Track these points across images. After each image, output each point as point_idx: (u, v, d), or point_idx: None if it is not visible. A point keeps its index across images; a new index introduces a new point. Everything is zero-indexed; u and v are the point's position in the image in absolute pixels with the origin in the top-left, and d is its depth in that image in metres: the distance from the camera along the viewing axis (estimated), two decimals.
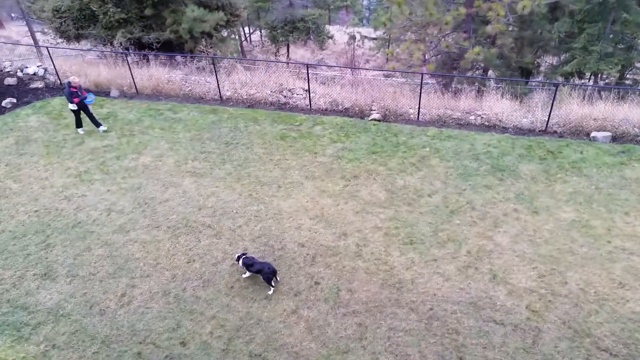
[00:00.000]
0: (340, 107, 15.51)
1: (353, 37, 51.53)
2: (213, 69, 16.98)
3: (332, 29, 52.03)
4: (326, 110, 15.68)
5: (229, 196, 11.64)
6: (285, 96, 16.06)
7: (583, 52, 20.55)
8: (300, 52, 50.06)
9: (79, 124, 14.49)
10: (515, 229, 10.43)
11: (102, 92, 17.59)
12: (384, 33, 49.07)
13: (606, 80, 22.24)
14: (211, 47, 21.60)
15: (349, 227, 10.58)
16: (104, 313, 8.73)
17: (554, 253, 9.77)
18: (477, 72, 23.21)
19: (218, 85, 16.37)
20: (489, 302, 8.78)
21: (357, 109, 15.35)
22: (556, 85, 13.89)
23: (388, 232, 10.43)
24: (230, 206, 11.30)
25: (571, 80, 22.52)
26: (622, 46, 21.45)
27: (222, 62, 19.28)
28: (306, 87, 16.08)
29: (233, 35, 32.15)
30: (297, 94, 16.09)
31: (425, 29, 17.78)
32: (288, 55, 48.02)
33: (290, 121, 14.81)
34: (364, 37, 57.48)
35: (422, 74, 15.16)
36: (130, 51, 20.78)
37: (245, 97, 16.36)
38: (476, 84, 19.95)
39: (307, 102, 15.75)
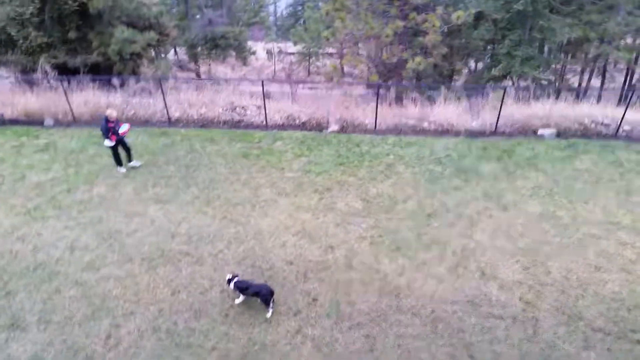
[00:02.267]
0: (297, 121, 15.44)
1: (270, 52, 52.05)
2: (156, 90, 16.27)
3: (252, 45, 51.88)
4: (283, 125, 15.52)
5: (202, 220, 11.09)
6: (238, 114, 15.70)
7: (507, 57, 22.14)
8: (220, 69, 49.50)
9: (118, 162, 12.95)
10: (491, 226, 10.88)
11: (35, 121, 16.21)
12: (303, 48, 50.10)
13: (526, 83, 23.99)
14: (154, 68, 20.67)
15: (333, 240, 10.47)
16: (92, 359, 7.92)
17: (531, 245, 10.30)
18: (410, 81, 24.15)
19: (166, 106, 15.66)
20: (484, 298, 9.03)
21: (314, 122, 15.37)
22: (504, 89, 14.81)
23: (373, 240, 10.45)
24: (205, 230, 10.76)
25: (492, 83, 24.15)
26: (538, 50, 23.37)
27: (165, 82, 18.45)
28: (257, 104, 15.85)
29: (162, 55, 30.92)
30: (250, 111, 15.80)
31: (366, 42, 18.24)
32: (210, 73, 47.21)
33: (249, 139, 14.49)
34: (283, 53, 58.11)
35: (378, 85, 15.50)
36: (55, 76, 19.34)
37: (196, 117, 15.80)
38: (409, 91, 20.76)
39: (262, 118, 15.50)
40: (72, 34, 20.33)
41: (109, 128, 12.19)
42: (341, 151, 13.75)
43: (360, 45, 21.00)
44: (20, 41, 19.27)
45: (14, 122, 16.39)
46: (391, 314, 8.70)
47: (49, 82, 17.54)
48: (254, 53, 49.38)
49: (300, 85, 25.89)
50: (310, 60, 51.77)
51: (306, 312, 8.76)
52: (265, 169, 13.02)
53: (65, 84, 16.23)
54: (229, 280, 8.82)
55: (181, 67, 47.55)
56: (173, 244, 10.36)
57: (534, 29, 21.82)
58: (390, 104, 16.44)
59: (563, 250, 10.13)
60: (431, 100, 16.74)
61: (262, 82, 14.36)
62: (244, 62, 48.10)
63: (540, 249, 10.20)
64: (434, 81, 22.47)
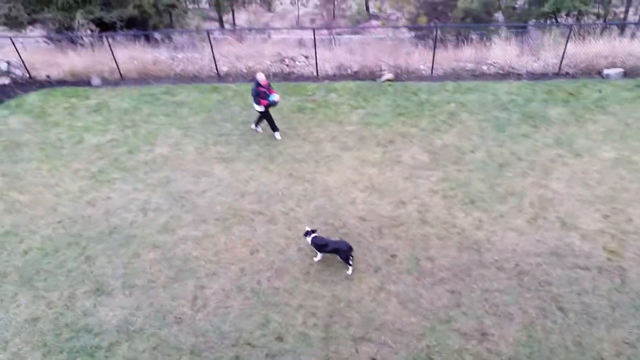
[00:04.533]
0: (349, 70, 14.95)
1: None
2: (200, 43, 15.86)
3: None
4: (334, 75, 15.08)
5: (269, 178, 11.04)
6: (288, 65, 15.27)
7: None
8: (242, 17, 48.26)
9: (274, 128, 12.41)
10: (566, 174, 10.55)
11: (81, 81, 16.11)
12: None
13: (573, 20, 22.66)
14: (189, 19, 20.14)
15: (404, 195, 10.32)
16: (181, 321, 8.10)
17: (609, 192, 9.98)
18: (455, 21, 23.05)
19: (214, 60, 15.31)
20: (567, 249, 8.86)
21: (366, 70, 14.86)
22: (570, 26, 13.97)
23: (445, 194, 10.26)
24: (273, 188, 10.73)
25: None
26: None
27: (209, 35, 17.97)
28: (305, 54, 15.36)
29: (189, 6, 30.13)
30: (299, 62, 15.34)
31: None
32: (234, 22, 46.08)
33: (301, 91, 14.16)
34: None
35: (436, 27, 14.78)
36: (97, 33, 19.04)
37: (245, 71, 15.44)
38: (462, 33, 19.85)
39: (312, 69, 15.06)
40: None
41: (259, 92, 11.72)
42: (399, 101, 13.33)
43: None
44: None
45: (61, 83, 16.32)
46: (474, 269, 8.63)
47: (90, 39, 17.19)
48: None
49: (338, 31, 25.06)
50: (335, 3, 49.76)
51: (386, 268, 8.76)
52: (323, 122, 12.76)
53: (108, 40, 15.87)
54: (307, 233, 8.81)
55: (203, 17, 46.41)
56: (244, 203, 10.38)
57: None
58: (436, 48, 15.67)
59: None
60: (486, 41, 15.91)
61: (314, 30, 13.83)
62: (269, 7, 46.61)
63: (619, 196, 9.88)
64: (479, 21, 21.34)
